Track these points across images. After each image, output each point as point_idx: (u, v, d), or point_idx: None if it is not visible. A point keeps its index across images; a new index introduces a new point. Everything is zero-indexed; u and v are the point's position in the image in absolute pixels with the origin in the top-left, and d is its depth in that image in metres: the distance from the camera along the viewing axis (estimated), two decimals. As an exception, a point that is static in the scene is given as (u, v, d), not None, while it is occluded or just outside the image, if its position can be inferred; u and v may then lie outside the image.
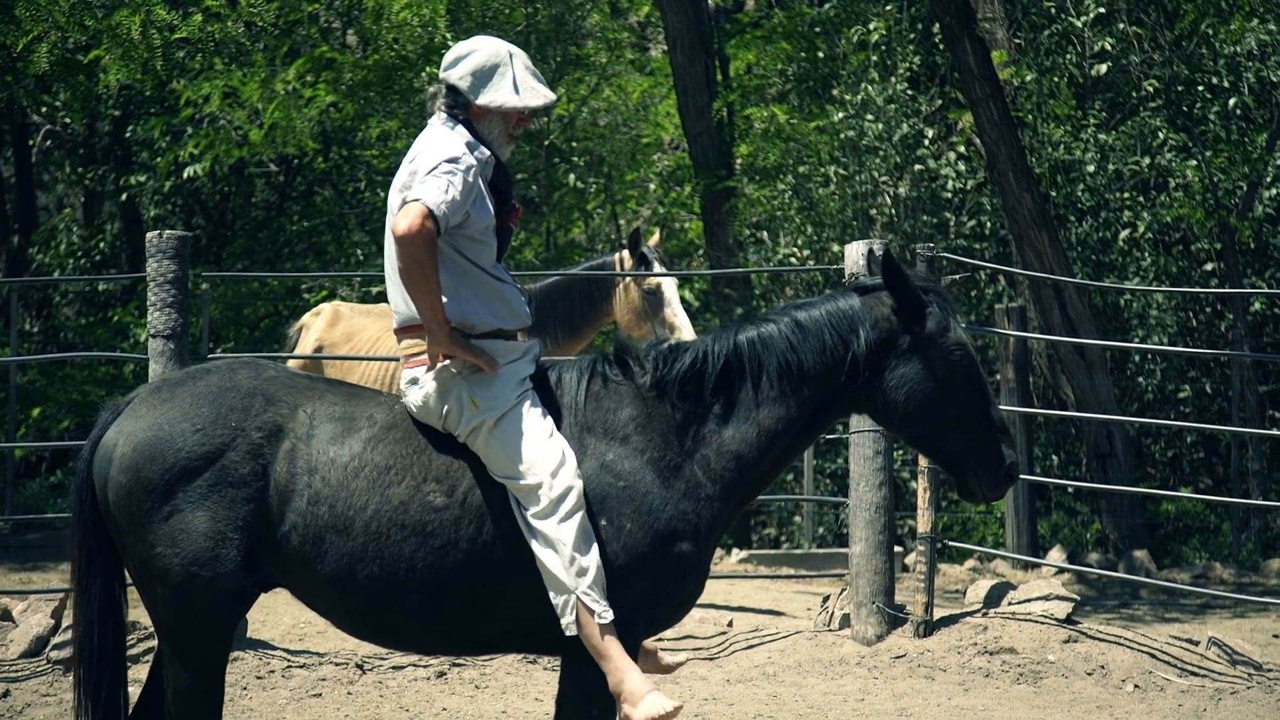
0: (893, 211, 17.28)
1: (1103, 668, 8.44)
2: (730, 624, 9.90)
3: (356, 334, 10.77)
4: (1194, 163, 16.77)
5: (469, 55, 5.18)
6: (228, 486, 4.93)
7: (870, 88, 17.12)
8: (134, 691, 5.29)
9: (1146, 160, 17.10)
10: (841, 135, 17.36)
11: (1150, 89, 17.27)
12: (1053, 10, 17.52)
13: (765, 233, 18.45)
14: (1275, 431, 13.53)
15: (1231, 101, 16.86)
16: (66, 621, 8.76)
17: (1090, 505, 16.37)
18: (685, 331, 10.12)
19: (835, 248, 16.86)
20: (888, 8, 17.71)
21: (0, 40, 15.04)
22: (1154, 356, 17.07)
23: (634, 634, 5.01)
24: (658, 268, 10.33)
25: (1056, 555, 14.34)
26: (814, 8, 18.87)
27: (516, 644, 5.17)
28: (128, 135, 21.81)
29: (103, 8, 15.07)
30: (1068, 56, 17.52)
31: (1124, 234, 17.04)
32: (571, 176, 20.80)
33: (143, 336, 17.91)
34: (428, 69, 17.89)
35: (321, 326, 10.92)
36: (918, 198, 17.19)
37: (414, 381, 5.09)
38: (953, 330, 5.16)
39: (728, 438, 5.08)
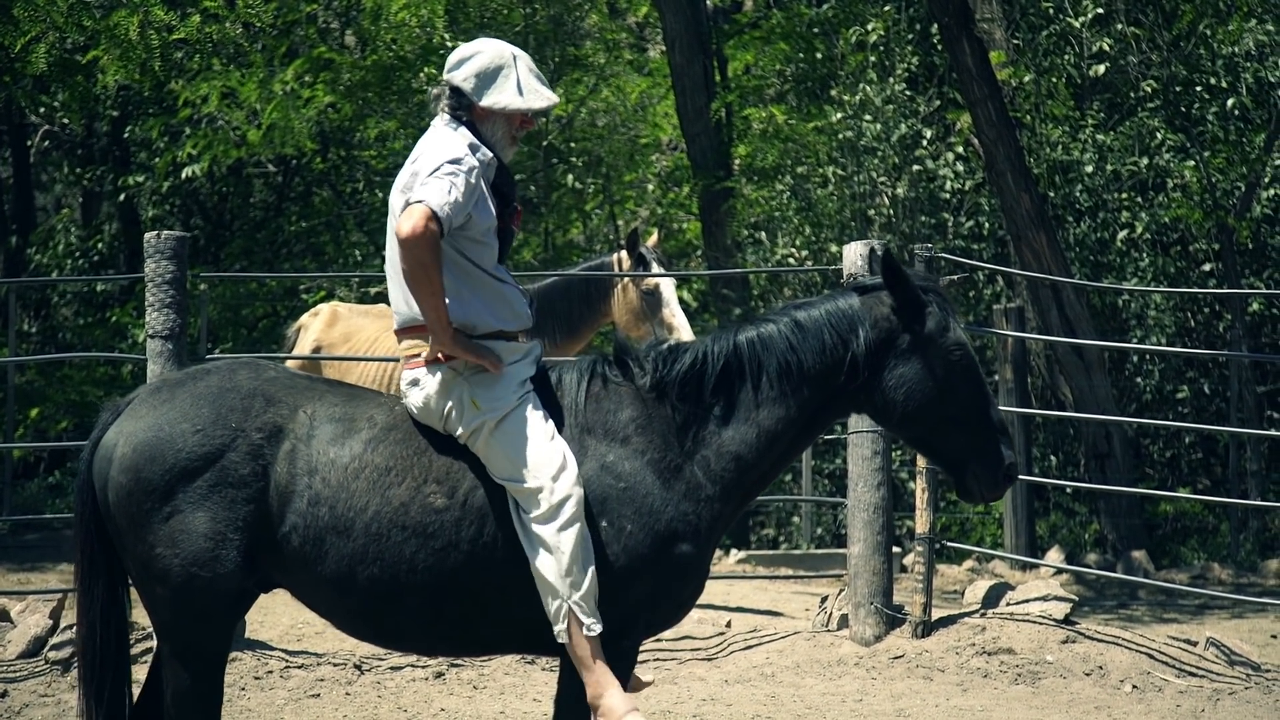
0: (891, 212, 17.29)
1: (1101, 668, 8.45)
2: (729, 624, 9.90)
3: (355, 334, 10.77)
4: (1192, 163, 16.78)
5: (473, 57, 5.18)
6: (228, 487, 4.93)
7: (868, 88, 17.13)
8: (135, 692, 5.29)
9: (1144, 161, 17.11)
10: (840, 136, 17.37)
11: (1148, 89, 17.28)
12: (1051, 11, 17.53)
13: (763, 233, 18.45)
14: (1273, 432, 13.55)
15: (1229, 102, 16.87)
16: (65, 622, 8.76)
17: (1088, 506, 16.38)
18: (683, 332, 10.11)
19: (833, 248, 16.87)
20: (886, 8, 17.72)
21: (-2, 40, 15.05)
22: (1152, 357, 17.07)
23: (634, 635, 5.02)
24: (656, 268, 10.32)
25: (1055, 556, 14.34)
26: (812, 8, 18.88)
27: (516, 645, 5.18)
28: (126, 136, 21.80)
29: (101, 8, 15.07)
30: (1066, 57, 17.53)
31: (1122, 234, 17.05)
32: (570, 177, 20.82)
33: (141, 337, 17.88)
34: (426, 69, 17.89)
35: (320, 327, 10.92)
36: (916, 198, 17.19)
37: (415, 383, 5.09)
38: (952, 330, 5.16)
39: (727, 439, 5.08)
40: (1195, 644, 8.84)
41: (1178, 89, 17.15)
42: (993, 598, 9.25)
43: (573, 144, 20.90)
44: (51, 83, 18.25)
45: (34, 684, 8.26)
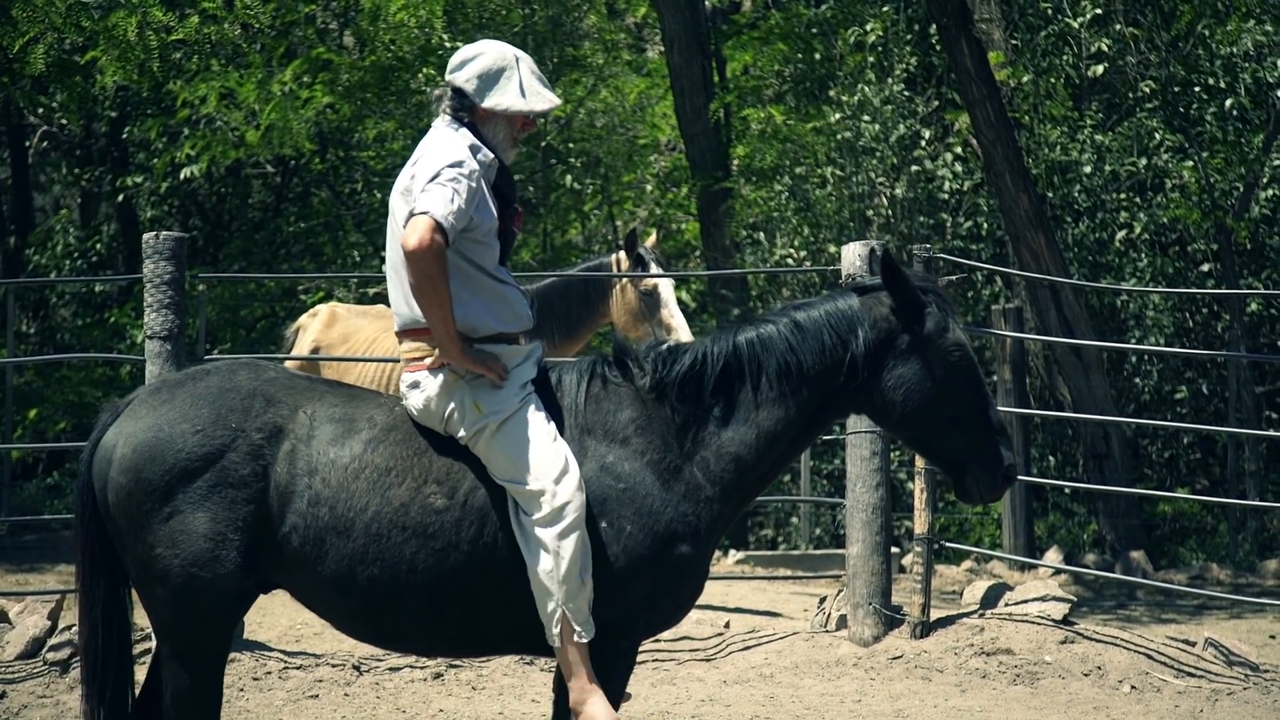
0: (889, 212, 17.29)
1: (1099, 668, 8.45)
2: (727, 625, 9.90)
3: (353, 335, 10.77)
4: (1190, 164, 16.78)
5: (475, 58, 5.18)
6: (228, 487, 4.93)
7: (867, 89, 17.14)
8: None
9: (1143, 161, 17.11)
10: (838, 136, 17.37)
11: (1147, 90, 17.28)
12: (1049, 11, 17.53)
13: (762, 234, 18.45)
14: (1272, 432, 13.55)
15: (1228, 102, 16.87)
16: (63, 623, 8.76)
17: (1087, 506, 16.38)
18: (682, 333, 10.11)
19: (832, 249, 16.87)
20: (884, 9, 17.73)
21: (-3, 41, 15.05)
22: (1150, 357, 17.08)
23: (634, 635, 5.03)
24: (654, 269, 10.32)
25: (1053, 556, 14.34)
26: (811, 9, 18.88)
27: (516, 645, 5.18)
28: (124, 136, 21.81)
29: (99, 9, 15.07)
30: (1064, 57, 17.53)
31: (1120, 235, 17.05)
32: (568, 178, 20.81)
33: (139, 338, 17.91)
34: (424, 70, 17.89)
35: (318, 327, 10.92)
36: (914, 199, 17.20)
37: (416, 385, 5.09)
38: (951, 331, 5.16)
39: (727, 439, 5.09)
40: (1194, 644, 8.84)
41: (1176, 89, 17.15)
42: (991, 598, 9.25)
43: (571, 144, 20.90)
44: (50, 83, 18.25)
45: (32, 685, 8.26)
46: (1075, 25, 17.27)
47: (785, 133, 18.36)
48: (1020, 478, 10.78)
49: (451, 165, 5.00)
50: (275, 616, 10.18)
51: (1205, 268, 17.30)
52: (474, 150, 5.09)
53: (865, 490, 8.89)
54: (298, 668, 8.51)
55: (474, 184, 5.01)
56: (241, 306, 20.68)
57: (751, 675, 8.58)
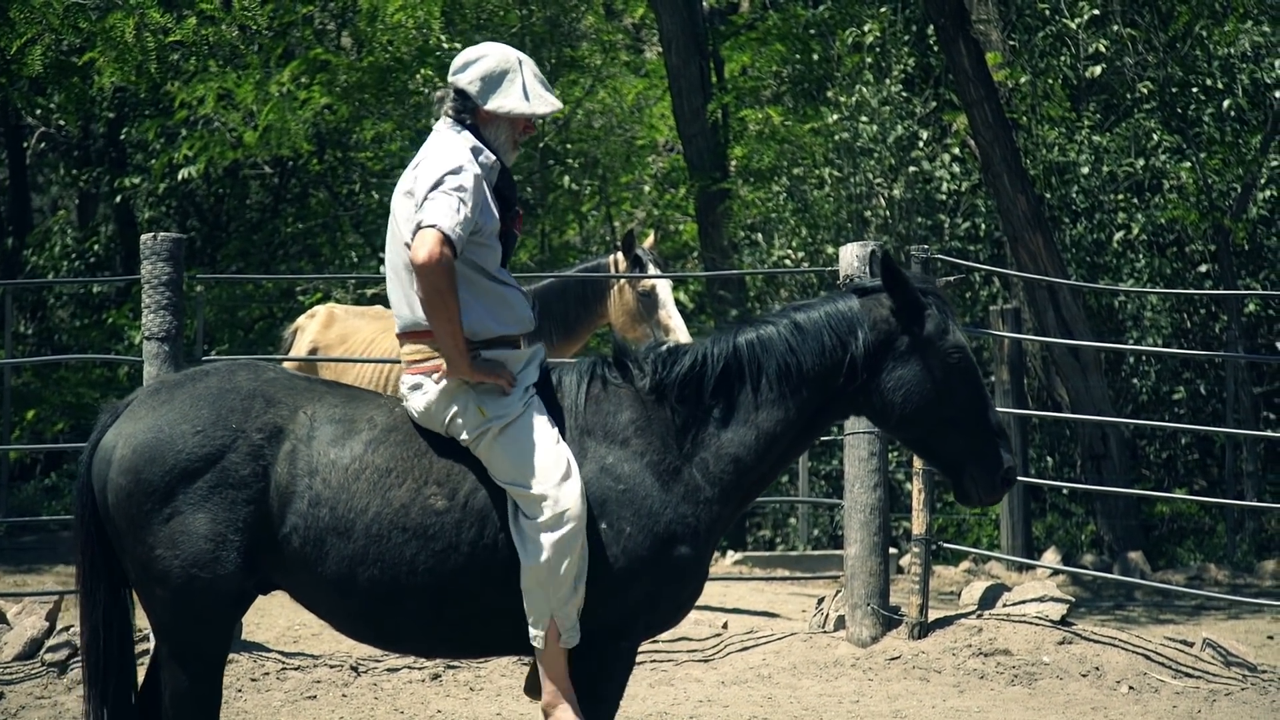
0: (887, 213, 17.29)
1: (1097, 669, 8.45)
2: (725, 626, 9.90)
3: (351, 336, 10.77)
4: (1188, 164, 16.78)
5: (478, 60, 5.19)
6: (228, 488, 4.92)
7: (865, 90, 17.14)
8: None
9: (1141, 162, 17.12)
10: (836, 137, 17.38)
11: (1144, 91, 17.29)
12: (1047, 12, 17.53)
13: (760, 235, 18.46)
14: (1270, 433, 13.54)
15: (1226, 103, 16.87)
16: (61, 624, 8.75)
17: (1085, 507, 16.38)
18: (680, 333, 10.11)
19: (830, 250, 16.88)
20: (882, 9, 17.73)
21: (-5, 43, 15.04)
22: (1148, 358, 17.08)
23: (633, 636, 5.03)
24: (652, 270, 10.32)
25: (1051, 557, 14.34)
26: (809, 9, 18.89)
27: (516, 646, 5.17)
28: (122, 137, 21.81)
29: (97, 10, 15.05)
30: (1062, 58, 17.53)
31: (1118, 236, 17.05)
32: (566, 178, 20.82)
33: (137, 339, 17.91)
34: (422, 71, 17.89)
35: (316, 328, 10.91)
36: (912, 199, 17.20)
37: (417, 387, 5.09)
38: (951, 333, 5.15)
39: (726, 441, 5.09)
40: (1191, 645, 8.84)
41: (1174, 90, 17.16)
42: (989, 599, 9.26)
43: (569, 145, 20.91)
44: (47, 84, 18.22)
45: (30, 686, 8.26)
46: (1073, 26, 17.27)
47: (783, 133, 18.37)
48: (1018, 479, 10.78)
49: (454, 172, 4.99)
50: (273, 617, 10.17)
51: (1203, 268, 17.30)
52: (476, 152, 5.09)
53: (863, 491, 8.89)
54: (296, 669, 8.51)
55: (477, 188, 5.01)
56: (239, 307, 20.68)
57: (749, 676, 8.58)
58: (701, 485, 5.04)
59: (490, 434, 4.98)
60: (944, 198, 17.44)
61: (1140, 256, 17.14)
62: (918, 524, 9.03)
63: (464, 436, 5.01)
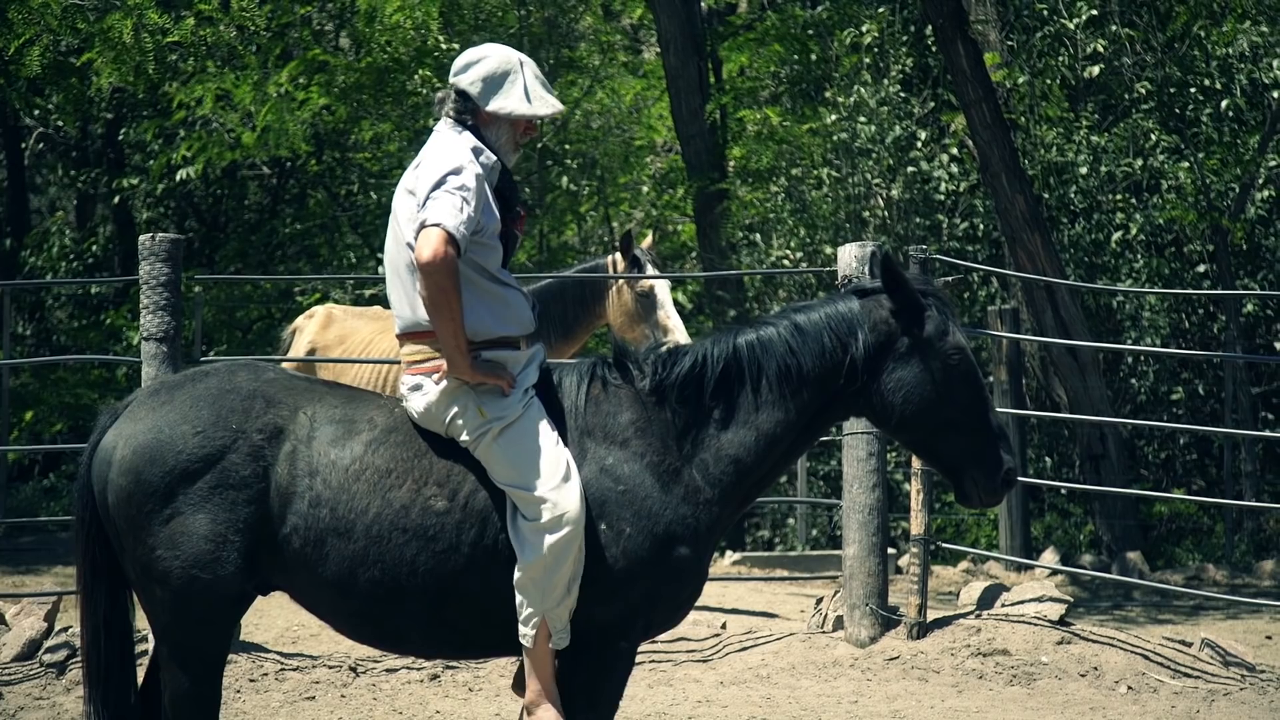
0: (885, 214, 17.30)
1: (1096, 669, 8.45)
2: (724, 626, 9.89)
3: (349, 336, 10.77)
4: (1186, 165, 16.79)
5: (480, 61, 5.19)
6: (229, 489, 4.92)
7: (863, 90, 17.14)
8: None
9: (1139, 162, 17.12)
10: (834, 138, 17.38)
11: (1142, 91, 17.29)
12: (1045, 12, 17.53)
13: (758, 235, 18.46)
14: (1268, 433, 13.54)
15: (1224, 103, 16.88)
16: (59, 625, 8.75)
17: (1083, 507, 16.38)
18: (678, 334, 10.10)
19: (828, 250, 16.87)
20: (880, 10, 17.74)
21: (-7, 43, 15.04)
22: (1147, 358, 17.08)
23: (632, 636, 5.03)
24: (651, 270, 10.32)
25: (1050, 557, 14.33)
26: (807, 10, 18.89)
27: (515, 647, 5.18)
28: (120, 138, 21.81)
29: (95, 11, 15.05)
30: (1060, 59, 17.53)
31: (1116, 236, 17.05)
32: (564, 179, 20.82)
33: (135, 339, 17.91)
34: (421, 72, 17.90)
35: (315, 329, 10.91)
36: (910, 200, 17.20)
37: (417, 387, 5.09)
38: (952, 334, 5.15)
39: (726, 442, 5.09)
40: (1190, 645, 8.84)
41: (1172, 90, 17.16)
42: (988, 599, 9.26)
43: (567, 146, 20.91)
44: (46, 85, 18.24)
45: (28, 687, 8.26)
46: (1071, 26, 17.27)
47: (781, 134, 18.36)
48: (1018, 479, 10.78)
49: (455, 171, 5.00)
50: (272, 618, 10.17)
51: (1201, 269, 17.30)
52: (477, 153, 5.10)
53: (862, 491, 8.89)
54: (294, 669, 8.51)
55: (479, 188, 5.02)
56: (238, 308, 20.69)
57: (748, 676, 8.58)
58: (701, 486, 5.04)
59: (490, 435, 4.98)
60: (942, 198, 17.45)
61: (1138, 257, 17.14)
62: (916, 524, 9.03)
63: (464, 437, 5.02)
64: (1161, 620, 11.78)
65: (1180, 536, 16.25)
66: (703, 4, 19.76)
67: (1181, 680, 8.40)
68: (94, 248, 22.83)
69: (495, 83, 5.16)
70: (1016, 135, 16.36)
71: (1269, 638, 10.70)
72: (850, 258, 8.79)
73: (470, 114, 5.18)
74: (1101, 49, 17.30)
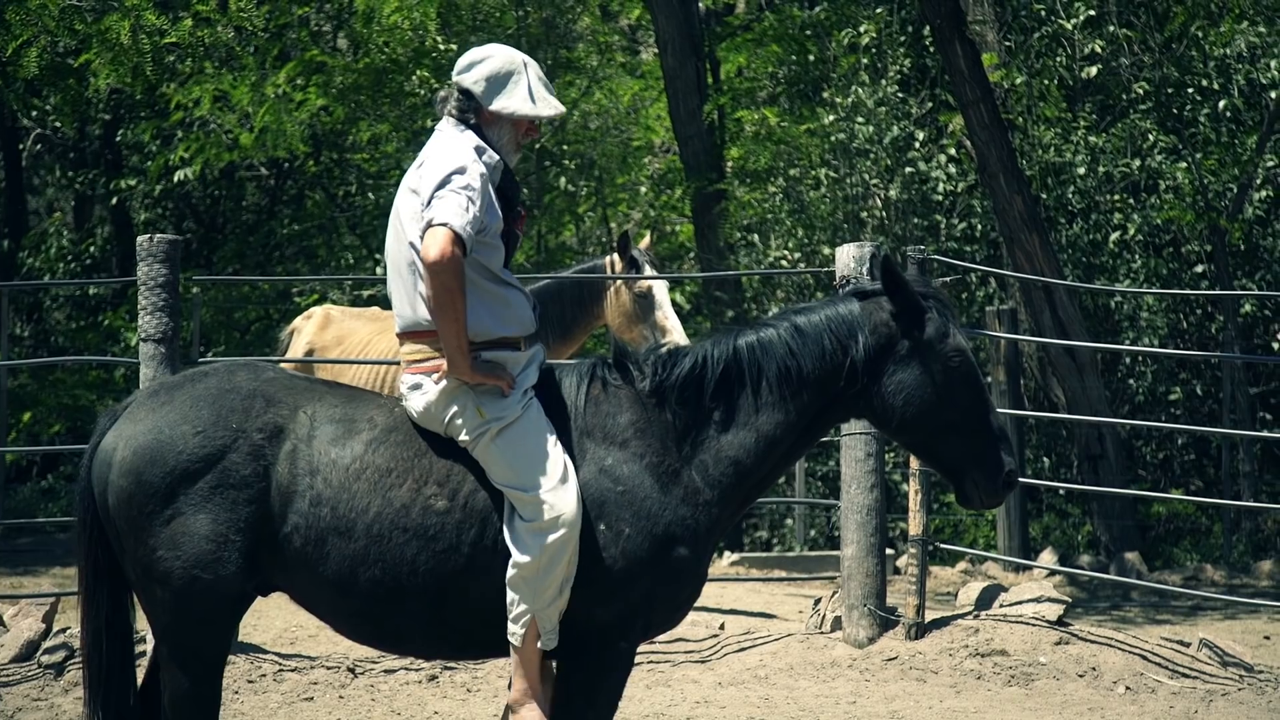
0: (883, 214, 17.30)
1: (1094, 669, 8.45)
2: (722, 627, 9.89)
3: (348, 337, 10.77)
4: (1184, 165, 16.79)
5: (484, 60, 5.19)
6: (229, 488, 4.92)
7: (861, 90, 17.15)
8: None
9: (1137, 162, 17.12)
10: (832, 138, 17.38)
11: (1140, 91, 17.30)
12: (1043, 13, 17.54)
13: (756, 235, 18.46)
14: (1266, 433, 13.54)
15: (1221, 104, 16.89)
16: (58, 626, 8.75)
17: (1081, 507, 16.38)
18: (676, 335, 10.10)
19: (826, 250, 16.88)
20: (878, 10, 17.74)
21: (-9, 45, 15.03)
22: (1145, 358, 17.08)
23: (631, 637, 5.03)
24: (649, 271, 10.32)
25: (1048, 557, 14.34)
26: (804, 10, 18.89)
27: (515, 648, 5.19)
28: (118, 139, 21.81)
29: (92, 12, 15.05)
30: (1058, 59, 17.54)
31: (1114, 236, 17.06)
32: (562, 179, 20.82)
33: (133, 340, 17.91)
34: (418, 72, 17.90)
35: (313, 330, 10.92)
36: (908, 200, 17.21)
37: (417, 387, 5.09)
38: (952, 336, 5.15)
39: (726, 443, 5.09)
40: (1188, 645, 8.85)
41: (1169, 91, 17.16)
42: (986, 599, 9.26)
43: (565, 146, 20.91)
44: (43, 86, 18.25)
45: (27, 688, 8.25)
46: (1069, 27, 17.28)
47: (779, 135, 18.37)
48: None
49: (459, 170, 5.00)
50: (270, 619, 10.17)
51: (1199, 269, 17.30)
52: (480, 152, 5.10)
53: (860, 492, 8.89)
54: (293, 670, 8.51)
55: (484, 187, 5.02)
56: (236, 309, 20.69)
57: (746, 677, 8.58)
58: (700, 487, 5.04)
59: (488, 435, 4.98)
60: (940, 198, 17.45)
61: (1136, 257, 17.14)
62: (914, 525, 9.03)
63: (463, 437, 5.02)
64: (1160, 620, 11.78)
65: (1178, 537, 16.25)
66: (700, 4, 19.76)
67: (1180, 680, 8.40)
68: (92, 249, 22.84)
69: (499, 82, 5.17)
70: (1014, 135, 16.37)
71: (1267, 638, 10.70)
72: (848, 258, 8.78)
73: (473, 113, 5.19)
74: (1099, 49, 17.31)
